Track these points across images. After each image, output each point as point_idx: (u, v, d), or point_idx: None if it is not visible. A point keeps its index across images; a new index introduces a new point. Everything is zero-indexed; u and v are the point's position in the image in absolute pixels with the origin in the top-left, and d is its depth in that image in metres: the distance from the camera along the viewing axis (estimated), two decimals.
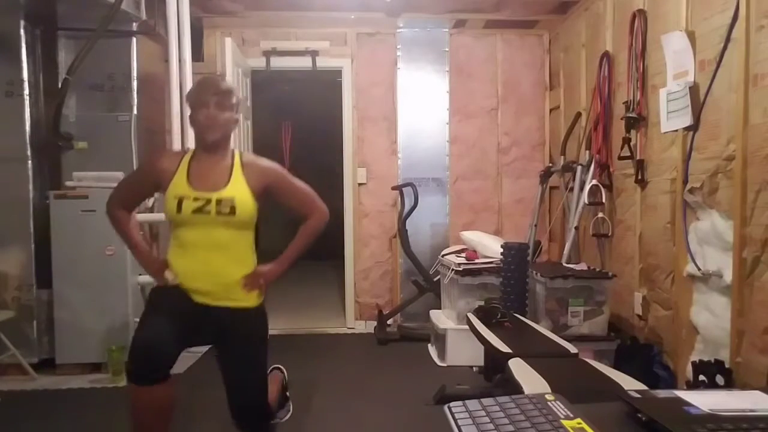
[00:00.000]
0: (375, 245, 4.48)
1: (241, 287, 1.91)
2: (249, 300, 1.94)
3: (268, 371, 2.16)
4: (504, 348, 2.20)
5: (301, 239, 2.04)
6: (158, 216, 3.50)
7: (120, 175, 3.27)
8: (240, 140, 3.81)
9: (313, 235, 2.05)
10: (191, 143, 3.44)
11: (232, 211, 1.84)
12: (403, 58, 4.36)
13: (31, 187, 3.27)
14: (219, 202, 1.84)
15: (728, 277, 2.27)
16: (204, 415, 2.66)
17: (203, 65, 4.25)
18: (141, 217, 3.35)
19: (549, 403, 0.75)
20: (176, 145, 3.45)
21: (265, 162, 1.99)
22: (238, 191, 1.88)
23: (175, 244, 1.93)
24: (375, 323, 4.17)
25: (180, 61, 3.40)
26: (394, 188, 4.27)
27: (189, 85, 3.44)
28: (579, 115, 3.82)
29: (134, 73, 3.47)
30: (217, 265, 1.88)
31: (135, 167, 3.42)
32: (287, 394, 2.44)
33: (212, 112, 1.85)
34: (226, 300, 1.90)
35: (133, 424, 1.81)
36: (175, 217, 1.86)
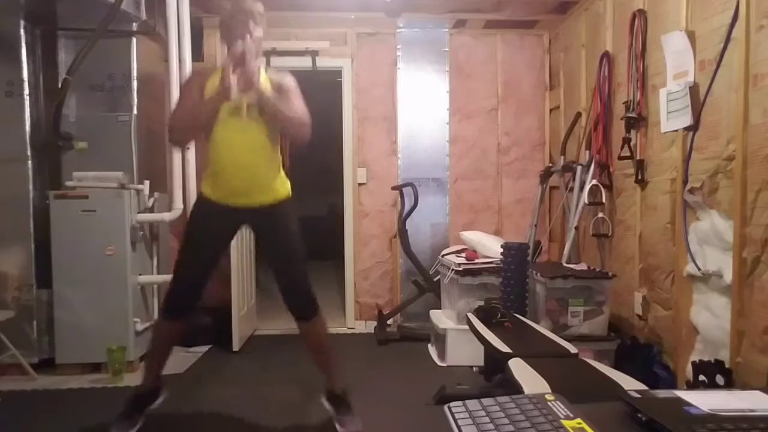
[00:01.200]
0: (375, 245, 4.48)
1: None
2: (280, 195, 2.32)
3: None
4: (504, 348, 2.20)
5: (291, 105, 2.24)
6: (158, 216, 3.51)
7: (120, 175, 3.28)
8: None
9: (295, 117, 2.22)
10: (190, 143, 3.45)
11: (261, 111, 2.19)
12: (403, 58, 4.36)
13: (31, 187, 3.27)
14: (249, 106, 2.16)
15: (728, 277, 2.27)
16: (204, 415, 2.66)
17: (203, 65, 4.25)
18: (141, 217, 3.36)
19: (549, 403, 0.75)
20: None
21: (285, 75, 2.32)
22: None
23: (212, 152, 2.25)
24: (375, 323, 4.17)
25: (180, 61, 3.41)
26: (394, 188, 4.27)
27: None
28: (579, 115, 3.82)
29: (134, 73, 3.46)
30: (252, 164, 2.24)
31: (135, 168, 3.43)
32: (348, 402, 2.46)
33: (251, 24, 2.16)
34: (261, 198, 2.28)
35: (154, 345, 2.44)
36: (214, 119, 2.19)
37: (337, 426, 2.37)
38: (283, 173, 2.39)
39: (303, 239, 2.35)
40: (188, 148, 3.48)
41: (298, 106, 2.25)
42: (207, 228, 2.32)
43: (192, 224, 2.37)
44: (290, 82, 2.31)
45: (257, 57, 2.18)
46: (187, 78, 2.32)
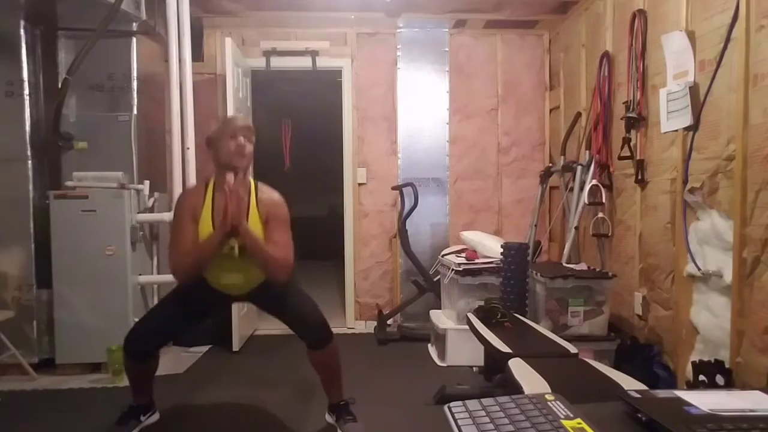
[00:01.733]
0: (375, 245, 4.48)
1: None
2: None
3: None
4: (504, 348, 2.20)
5: (265, 247, 2.16)
6: (158, 216, 3.51)
7: (120, 175, 3.28)
8: None
9: (269, 260, 2.16)
10: (191, 143, 3.46)
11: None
12: (403, 58, 4.36)
13: (31, 187, 3.27)
14: (241, 249, 2.15)
15: (728, 277, 2.27)
16: (204, 415, 2.66)
17: (203, 65, 4.25)
18: (141, 217, 3.36)
19: (549, 403, 0.75)
20: (176, 145, 3.45)
21: (275, 197, 2.28)
22: (254, 229, 2.16)
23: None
24: (375, 323, 4.17)
25: (180, 61, 3.40)
26: (394, 188, 4.27)
27: (189, 85, 3.45)
28: (579, 115, 3.82)
29: (134, 73, 3.46)
30: (239, 283, 2.27)
31: (135, 168, 3.43)
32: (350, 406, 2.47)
33: (242, 142, 2.18)
34: (250, 287, 2.30)
35: (129, 380, 2.37)
36: None
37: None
38: None
39: (300, 238, 2.36)
40: (188, 148, 3.47)
41: (282, 245, 2.19)
42: (199, 290, 2.27)
43: (181, 286, 2.33)
44: (280, 208, 2.25)
45: (250, 164, 2.24)
46: (177, 206, 2.23)
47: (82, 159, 3.37)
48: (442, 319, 3.66)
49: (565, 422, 0.69)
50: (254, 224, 2.16)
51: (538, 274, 3.13)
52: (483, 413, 0.73)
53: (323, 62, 4.37)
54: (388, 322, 4.14)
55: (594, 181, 3.38)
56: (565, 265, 3.40)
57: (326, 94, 5.40)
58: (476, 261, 3.50)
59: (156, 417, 2.48)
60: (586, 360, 2.04)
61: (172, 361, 3.44)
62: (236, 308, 3.72)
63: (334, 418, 2.43)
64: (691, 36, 2.52)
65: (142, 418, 2.40)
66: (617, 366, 2.74)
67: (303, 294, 2.41)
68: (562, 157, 3.92)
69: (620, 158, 3.13)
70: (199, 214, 2.17)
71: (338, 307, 4.91)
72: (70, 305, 3.19)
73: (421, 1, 4.04)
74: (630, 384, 1.67)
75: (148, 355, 2.31)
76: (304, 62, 4.36)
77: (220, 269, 2.22)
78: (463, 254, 3.60)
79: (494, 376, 2.83)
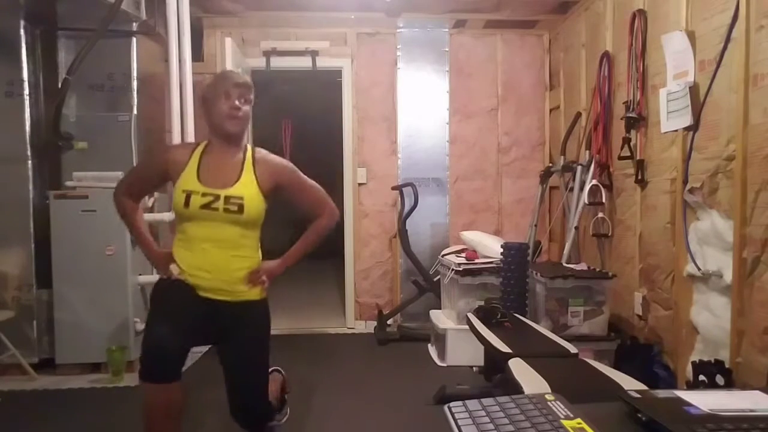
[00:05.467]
0: (375, 245, 4.48)
1: (245, 283, 1.91)
2: (252, 294, 1.94)
3: (269, 372, 2.16)
4: (504, 348, 2.20)
5: (310, 237, 2.04)
6: (158, 216, 3.50)
7: (120, 174, 3.27)
8: None
9: (323, 234, 2.04)
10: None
11: (240, 209, 1.84)
12: (403, 58, 4.36)
13: (31, 187, 3.27)
14: (227, 199, 1.83)
15: (728, 277, 2.27)
16: (204, 415, 2.66)
17: (203, 65, 4.25)
18: None
19: (549, 403, 0.75)
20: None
21: (277, 160, 1.99)
22: (248, 189, 1.87)
23: (180, 238, 1.93)
24: (375, 323, 4.17)
25: (180, 61, 3.40)
26: (394, 188, 4.27)
27: (189, 85, 3.44)
28: (579, 115, 3.82)
29: (134, 73, 3.46)
30: (223, 261, 1.88)
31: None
32: (286, 396, 2.43)
33: (236, 103, 1.86)
34: (229, 295, 1.90)
35: (145, 424, 1.80)
36: (183, 212, 1.86)
37: None
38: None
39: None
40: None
41: (316, 201, 2.00)
42: (176, 292, 1.89)
43: (157, 291, 1.97)
44: (290, 172, 1.98)
45: (246, 128, 1.94)
46: (155, 152, 1.95)
47: (82, 159, 3.37)
48: (442, 319, 3.65)
49: (565, 422, 0.69)
50: (248, 185, 1.87)
51: (538, 274, 3.13)
52: (483, 413, 0.73)
53: (323, 62, 4.37)
54: (388, 322, 4.14)
55: (594, 181, 3.38)
56: (565, 265, 3.40)
57: (326, 94, 5.40)
58: (476, 261, 3.49)
59: None
60: (586, 360, 2.04)
61: None
62: None
63: None
64: (691, 36, 2.52)
65: None
66: (617, 366, 2.74)
67: (263, 356, 2.03)
68: (562, 157, 3.92)
69: (620, 158, 3.12)
70: (175, 173, 1.89)
71: (338, 307, 4.92)
72: (70, 305, 3.19)
73: (421, 1, 4.04)
74: (630, 384, 1.67)
75: (174, 372, 1.77)
76: (304, 62, 4.36)
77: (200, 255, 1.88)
78: (463, 254, 3.60)
79: (494, 376, 2.83)
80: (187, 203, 1.83)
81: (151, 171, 2.04)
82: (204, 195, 1.83)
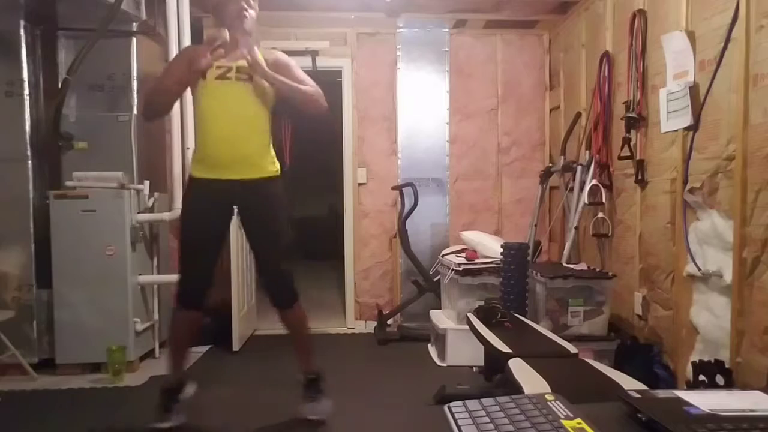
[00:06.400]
0: (375, 245, 4.48)
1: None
2: (267, 171, 2.32)
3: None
4: (504, 348, 2.20)
5: (294, 85, 2.32)
6: (158, 216, 3.50)
7: (120, 175, 3.28)
8: None
9: (308, 93, 2.32)
10: (191, 143, 3.45)
11: (250, 77, 2.23)
12: (403, 58, 4.36)
13: (31, 187, 3.27)
14: (239, 69, 2.22)
15: (728, 277, 2.27)
16: (204, 415, 2.66)
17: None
18: (141, 217, 3.36)
19: (549, 403, 0.75)
20: (176, 145, 3.45)
21: (274, 53, 2.40)
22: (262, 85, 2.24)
23: (200, 122, 2.28)
24: (375, 323, 4.17)
25: None
26: (394, 188, 4.27)
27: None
28: (579, 115, 3.82)
29: (134, 73, 3.46)
30: (239, 134, 2.24)
31: (135, 168, 3.43)
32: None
33: (244, 4, 2.23)
34: (248, 172, 2.27)
35: (171, 339, 2.43)
36: (200, 87, 2.22)
37: (304, 408, 2.42)
38: (273, 152, 2.38)
39: (300, 238, 2.40)
40: (188, 148, 3.47)
41: (307, 80, 2.32)
42: (200, 207, 2.30)
43: (185, 206, 2.37)
44: (284, 60, 2.37)
45: (251, 33, 2.26)
46: (178, 53, 2.42)
47: (82, 159, 3.37)
48: (442, 319, 3.66)
49: (565, 422, 0.69)
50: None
51: (538, 274, 3.13)
52: (483, 413, 0.73)
53: (323, 62, 4.37)
54: (388, 322, 4.14)
55: (594, 181, 3.38)
56: (565, 265, 3.40)
57: (326, 94, 5.40)
58: (476, 261, 3.50)
59: (194, 388, 2.46)
60: (586, 360, 2.04)
61: None
62: (236, 308, 3.72)
63: (303, 388, 2.48)
64: (691, 36, 2.52)
65: (181, 397, 2.37)
66: (617, 366, 2.74)
67: (286, 230, 2.37)
68: (562, 157, 3.93)
69: (620, 158, 3.13)
70: (196, 59, 2.22)
71: (338, 307, 4.91)
72: (70, 305, 3.19)
73: (421, 1, 4.04)
74: (630, 384, 1.67)
75: (199, 299, 2.33)
76: (304, 62, 4.34)
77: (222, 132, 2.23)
78: (463, 254, 3.60)
79: (494, 376, 2.83)
80: (204, 75, 2.21)
81: (180, 62, 2.32)
82: (218, 67, 2.20)
